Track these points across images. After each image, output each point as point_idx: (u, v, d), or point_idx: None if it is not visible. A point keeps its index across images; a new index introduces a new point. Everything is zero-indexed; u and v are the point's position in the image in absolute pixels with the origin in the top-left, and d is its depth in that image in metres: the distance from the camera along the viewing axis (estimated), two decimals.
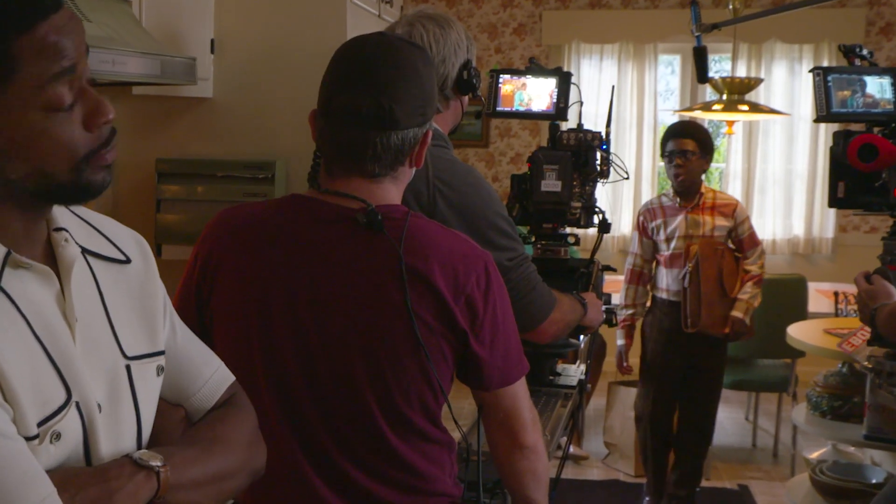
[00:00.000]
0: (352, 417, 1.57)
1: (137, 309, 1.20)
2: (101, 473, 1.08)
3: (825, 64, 6.09)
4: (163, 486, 1.11)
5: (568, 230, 2.76)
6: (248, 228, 1.62)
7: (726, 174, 6.53)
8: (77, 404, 1.07)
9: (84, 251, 1.15)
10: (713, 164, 6.98)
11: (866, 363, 2.61)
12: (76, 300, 1.10)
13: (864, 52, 2.55)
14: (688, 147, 3.97)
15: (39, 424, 1.03)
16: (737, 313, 3.98)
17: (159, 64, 2.38)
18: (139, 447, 1.17)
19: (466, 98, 2.21)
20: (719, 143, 6.87)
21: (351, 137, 1.55)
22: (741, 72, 6.21)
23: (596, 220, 2.72)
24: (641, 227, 4.14)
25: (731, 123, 5.25)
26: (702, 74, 3.47)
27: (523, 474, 1.72)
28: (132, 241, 1.24)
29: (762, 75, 6.16)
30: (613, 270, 2.95)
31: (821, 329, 3.86)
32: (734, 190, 6.46)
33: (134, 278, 1.21)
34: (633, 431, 4.54)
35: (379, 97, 1.53)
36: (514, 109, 2.72)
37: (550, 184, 2.61)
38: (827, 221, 6.40)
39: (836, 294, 4.53)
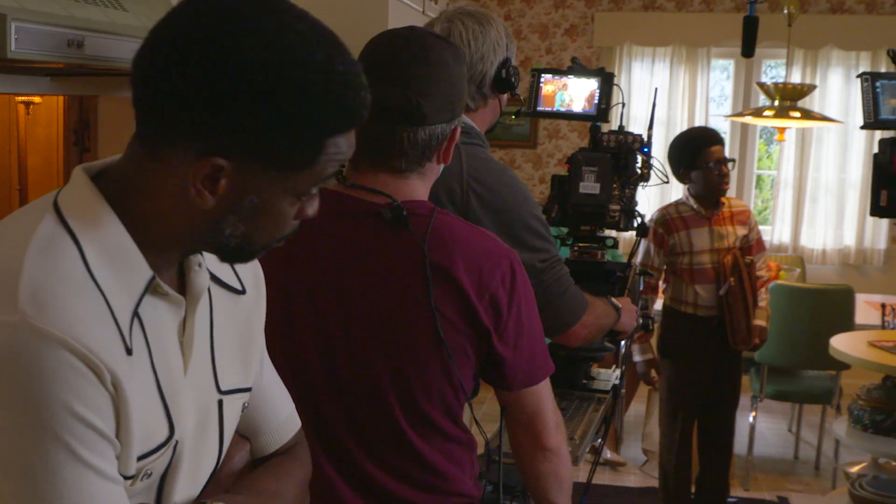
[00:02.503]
0: (372, 415, 1.56)
1: (239, 342, 1.17)
2: None
3: (883, 70, 5.98)
4: None
5: (606, 233, 2.74)
6: None
7: (777, 182, 6.42)
8: (176, 443, 1.04)
9: (211, 277, 1.12)
10: (765, 172, 6.94)
11: None
12: (196, 330, 1.08)
13: None
14: (725, 154, 3.84)
15: (138, 459, 0.99)
16: (760, 322, 3.89)
17: None
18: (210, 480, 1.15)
19: (505, 97, 2.19)
20: (771, 149, 6.77)
21: (377, 132, 1.55)
22: (796, 78, 6.11)
23: (636, 223, 2.69)
24: (660, 240, 3.88)
25: (782, 130, 5.16)
26: (748, 48, 3.42)
27: (545, 477, 1.70)
28: (250, 272, 1.22)
29: (817, 82, 6.05)
30: (650, 275, 2.93)
31: (865, 341, 3.78)
32: (785, 198, 6.36)
33: (243, 311, 1.19)
34: None
35: (406, 92, 1.52)
36: (554, 110, 2.70)
37: (589, 186, 2.58)
38: (879, 232, 6.27)
39: (882, 306, 4.43)
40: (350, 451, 1.57)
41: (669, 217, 3.86)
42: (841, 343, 3.82)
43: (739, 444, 4.78)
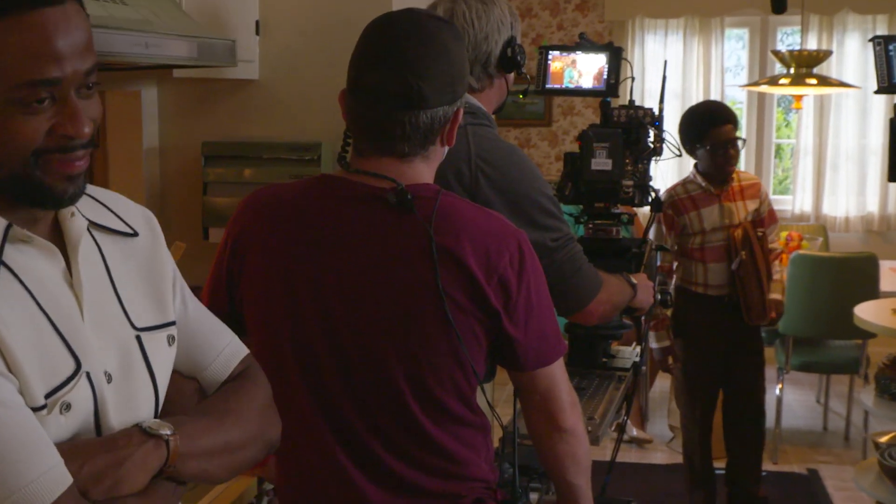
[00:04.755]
0: (383, 400, 1.55)
1: (145, 281, 1.21)
2: (109, 443, 1.07)
3: None
4: (172, 454, 1.10)
5: (620, 209, 2.71)
6: (277, 209, 1.61)
7: (797, 150, 6.35)
8: (87, 374, 1.07)
9: (91, 224, 1.15)
10: (784, 141, 6.87)
11: None
12: (83, 274, 1.11)
13: None
14: (734, 134, 3.66)
15: (48, 396, 1.03)
16: (776, 295, 3.77)
17: (196, 46, 2.37)
18: (155, 417, 1.17)
19: (511, 76, 2.16)
20: (790, 118, 6.69)
21: (379, 117, 1.53)
22: (811, 45, 6.03)
23: (650, 198, 2.66)
24: (669, 221, 3.77)
25: (798, 98, 5.09)
26: (779, 4, 3.36)
27: (563, 458, 1.68)
28: (140, 216, 1.24)
29: (833, 48, 5.97)
30: (667, 250, 2.91)
31: (890, 308, 3.73)
32: (805, 167, 6.29)
33: (141, 252, 1.22)
34: None
35: (406, 75, 1.50)
36: (563, 87, 2.67)
37: (601, 162, 2.55)
38: None
39: None
40: (363, 438, 1.56)
41: (678, 198, 3.74)
42: (866, 311, 3.77)
43: (767, 417, 4.74)
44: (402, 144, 1.55)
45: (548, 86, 2.65)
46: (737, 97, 6.61)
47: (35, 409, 1.01)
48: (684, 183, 3.80)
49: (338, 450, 1.56)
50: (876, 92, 2.41)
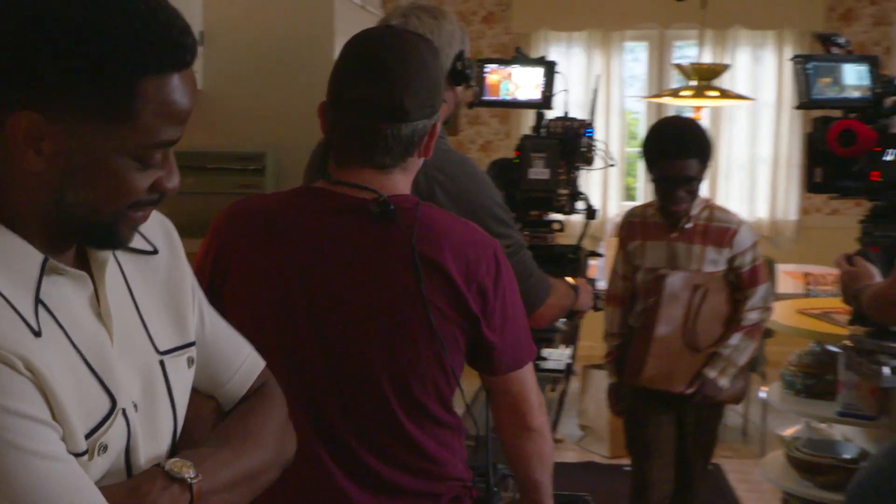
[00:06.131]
0: (370, 406, 1.60)
1: (166, 301, 1.17)
2: (134, 491, 1.05)
3: (787, 50, 6.22)
4: (196, 496, 1.08)
5: (553, 217, 2.82)
6: (262, 221, 1.64)
7: None
8: (123, 411, 1.05)
9: None
10: None
11: (846, 342, 2.69)
12: (110, 301, 1.08)
13: (841, 40, 2.62)
14: (692, 172, 2.95)
15: (87, 438, 1.00)
16: (710, 371, 2.98)
17: None
18: (174, 442, 1.16)
19: (461, 89, 2.24)
20: None
21: (362, 129, 1.58)
22: (707, 58, 6.30)
23: (580, 206, 2.78)
24: (622, 244, 3.20)
25: (698, 109, 5.33)
26: None
27: (530, 457, 1.76)
28: (159, 229, 1.21)
29: (727, 61, 6.25)
30: (600, 255, 3.02)
31: (793, 309, 3.95)
32: None
33: (161, 269, 1.18)
34: (607, 413, 4.60)
35: (390, 89, 1.56)
36: (500, 98, 2.77)
37: (538, 171, 2.66)
38: (790, 204, 6.53)
39: (805, 275, 4.63)
40: (348, 442, 1.60)
41: (633, 220, 3.17)
42: None
43: None
44: (384, 156, 1.60)
45: (485, 97, 2.75)
46: (635, 109, 6.85)
47: (77, 455, 0.99)
48: (646, 206, 3.20)
49: (323, 452, 1.60)
50: (796, 107, 2.58)
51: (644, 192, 6.66)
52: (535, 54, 6.26)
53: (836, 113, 2.60)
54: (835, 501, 2.98)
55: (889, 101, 2.54)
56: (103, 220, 1.03)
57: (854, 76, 2.57)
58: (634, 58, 6.89)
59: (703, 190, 7.09)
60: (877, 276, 2.34)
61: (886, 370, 2.39)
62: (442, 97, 1.68)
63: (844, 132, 2.46)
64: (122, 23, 0.97)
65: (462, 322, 1.60)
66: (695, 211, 3.03)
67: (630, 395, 3.17)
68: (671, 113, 6.70)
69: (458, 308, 1.59)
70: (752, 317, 3.01)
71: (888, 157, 2.40)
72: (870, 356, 2.44)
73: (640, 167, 6.43)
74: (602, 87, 6.45)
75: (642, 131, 6.56)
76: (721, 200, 6.51)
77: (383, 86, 1.56)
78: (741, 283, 3.02)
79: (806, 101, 2.52)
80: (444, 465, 1.67)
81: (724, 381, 2.99)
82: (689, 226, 3.03)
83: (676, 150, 2.96)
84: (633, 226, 3.16)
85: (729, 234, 3.01)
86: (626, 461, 4.05)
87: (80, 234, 1.06)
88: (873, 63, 2.60)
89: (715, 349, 2.99)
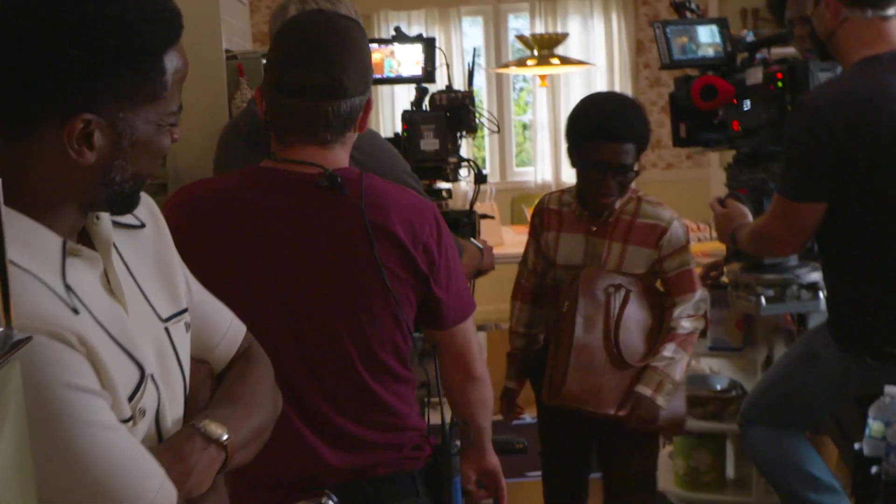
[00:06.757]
0: (334, 367, 1.70)
1: (158, 272, 1.24)
2: (176, 452, 1.13)
3: (614, 17, 6.58)
4: (230, 455, 1.19)
5: (441, 185, 2.97)
6: (212, 203, 1.71)
7: (533, 125, 6.90)
8: (152, 376, 1.13)
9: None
10: (519, 118, 7.43)
11: (724, 278, 2.96)
12: (119, 276, 1.14)
13: (692, 5, 2.88)
14: (628, 159, 2.52)
15: (128, 402, 1.07)
16: (643, 389, 2.51)
17: None
18: (185, 404, 1.23)
19: None
20: (530, 99, 7.23)
21: (305, 109, 1.67)
22: (539, 28, 6.58)
23: (465, 172, 2.94)
24: (534, 231, 2.74)
25: (543, 77, 5.58)
26: None
27: (476, 403, 1.90)
28: (142, 205, 1.25)
29: (558, 30, 6.54)
30: (491, 218, 3.19)
31: None
32: (542, 141, 6.84)
33: (150, 242, 1.24)
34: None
35: (329, 70, 1.66)
36: (384, 76, 2.89)
37: (429, 142, 2.79)
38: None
39: None
40: (316, 403, 1.70)
41: (548, 208, 2.71)
42: None
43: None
44: (326, 133, 1.70)
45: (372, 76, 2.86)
46: (476, 82, 7.06)
47: (124, 422, 1.06)
48: (562, 192, 2.75)
49: (292, 414, 1.69)
50: (660, 68, 2.81)
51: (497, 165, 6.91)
52: (377, 35, 6.38)
53: (695, 73, 2.85)
54: (716, 428, 3.25)
55: (740, 57, 2.81)
56: (139, 188, 1.14)
57: (707, 35, 2.82)
58: (476, 32, 7.10)
59: (549, 153, 7.25)
60: (748, 215, 2.60)
61: (763, 300, 2.65)
62: (373, 73, 1.79)
63: (706, 87, 2.71)
64: (135, 7, 1.06)
65: (413, 281, 1.72)
66: (618, 203, 2.57)
67: (546, 416, 2.74)
68: (516, 83, 6.96)
69: (408, 268, 1.71)
70: (685, 325, 2.56)
71: (745, 108, 2.66)
72: (747, 289, 2.70)
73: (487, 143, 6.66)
74: (442, 63, 6.62)
75: (485, 105, 6.79)
76: (564, 163, 6.84)
77: (323, 67, 1.65)
78: (669, 289, 2.60)
79: (668, 63, 2.76)
80: (404, 416, 1.79)
81: (660, 400, 2.50)
82: (611, 219, 2.58)
83: (613, 131, 2.50)
84: (548, 213, 2.70)
85: (657, 232, 2.57)
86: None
87: (107, 205, 1.13)
88: (722, 24, 2.87)
89: (644, 363, 2.52)
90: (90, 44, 1.02)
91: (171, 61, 1.10)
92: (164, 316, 1.21)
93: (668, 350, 2.53)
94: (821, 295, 2.65)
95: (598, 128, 2.53)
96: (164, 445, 1.15)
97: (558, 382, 2.50)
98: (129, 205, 1.16)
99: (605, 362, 2.51)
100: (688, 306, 2.57)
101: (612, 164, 2.51)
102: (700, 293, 2.62)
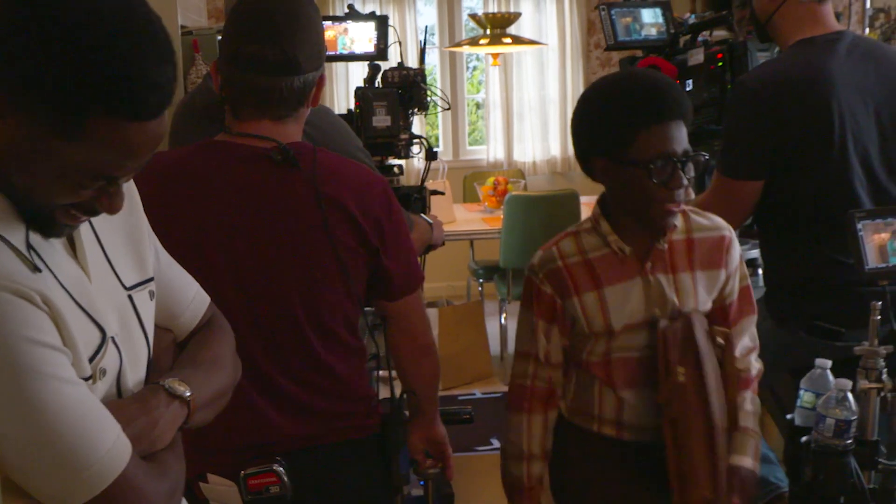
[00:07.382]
0: (286, 336, 1.76)
1: (125, 239, 1.27)
2: (142, 405, 1.18)
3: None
4: (192, 411, 1.24)
5: (393, 161, 3.01)
6: (166, 176, 1.74)
7: (486, 104, 6.96)
8: (113, 339, 1.17)
9: None
10: (473, 97, 7.48)
11: None
12: (83, 243, 1.18)
13: None
14: (680, 144, 1.79)
15: (89, 362, 1.11)
16: (742, 460, 1.93)
17: None
18: (148, 369, 1.28)
19: None
20: (483, 78, 7.28)
21: (260, 84, 1.72)
22: (491, 7, 6.63)
23: (417, 149, 2.99)
24: (549, 310, 1.93)
25: (496, 56, 5.63)
26: None
27: (424, 374, 1.97)
28: None
29: (511, 9, 6.60)
30: (442, 194, 3.24)
31: None
32: (495, 119, 6.90)
33: (121, 211, 1.22)
34: None
35: (283, 46, 1.70)
36: (338, 53, 2.93)
37: (381, 119, 2.84)
38: None
39: None
40: (268, 372, 1.76)
41: (566, 267, 1.92)
42: None
43: (493, 344, 5.29)
44: (280, 108, 1.75)
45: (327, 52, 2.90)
46: (429, 61, 7.10)
47: (84, 380, 1.10)
48: (579, 233, 1.95)
49: (245, 382, 1.72)
50: (606, 49, 2.88)
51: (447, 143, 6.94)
52: (331, 12, 6.39)
53: (639, 54, 2.93)
54: None
55: (683, 39, 2.89)
56: (49, 212, 1.10)
57: (650, 16, 2.90)
58: (427, 10, 7.14)
59: (501, 132, 7.28)
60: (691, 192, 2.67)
61: None
62: (326, 50, 1.84)
63: (649, 68, 2.78)
64: (92, 61, 0.99)
65: (364, 253, 1.78)
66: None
67: None
68: (469, 62, 6.99)
69: (359, 240, 1.77)
70: (755, 364, 2.01)
71: (688, 88, 2.75)
72: None
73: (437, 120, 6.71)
74: (396, 43, 6.65)
75: (439, 83, 6.83)
76: (517, 142, 6.92)
77: (277, 43, 1.70)
78: (726, 315, 1.97)
79: (613, 44, 2.83)
80: (354, 386, 1.85)
81: (758, 468, 1.96)
82: (664, 246, 1.90)
83: (661, 107, 1.77)
84: (569, 271, 1.91)
85: (723, 245, 1.94)
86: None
87: (25, 214, 1.11)
88: (665, 7, 2.95)
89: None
90: (32, 52, 0.99)
91: (104, 129, 1.02)
92: (129, 284, 1.25)
93: (748, 402, 1.97)
94: (759, 271, 2.74)
95: (662, 105, 1.77)
96: (132, 398, 1.20)
97: (685, 478, 1.85)
98: (43, 227, 1.12)
99: (708, 436, 1.86)
100: (745, 338, 1.99)
101: (678, 153, 1.78)
102: (755, 317, 2.03)
